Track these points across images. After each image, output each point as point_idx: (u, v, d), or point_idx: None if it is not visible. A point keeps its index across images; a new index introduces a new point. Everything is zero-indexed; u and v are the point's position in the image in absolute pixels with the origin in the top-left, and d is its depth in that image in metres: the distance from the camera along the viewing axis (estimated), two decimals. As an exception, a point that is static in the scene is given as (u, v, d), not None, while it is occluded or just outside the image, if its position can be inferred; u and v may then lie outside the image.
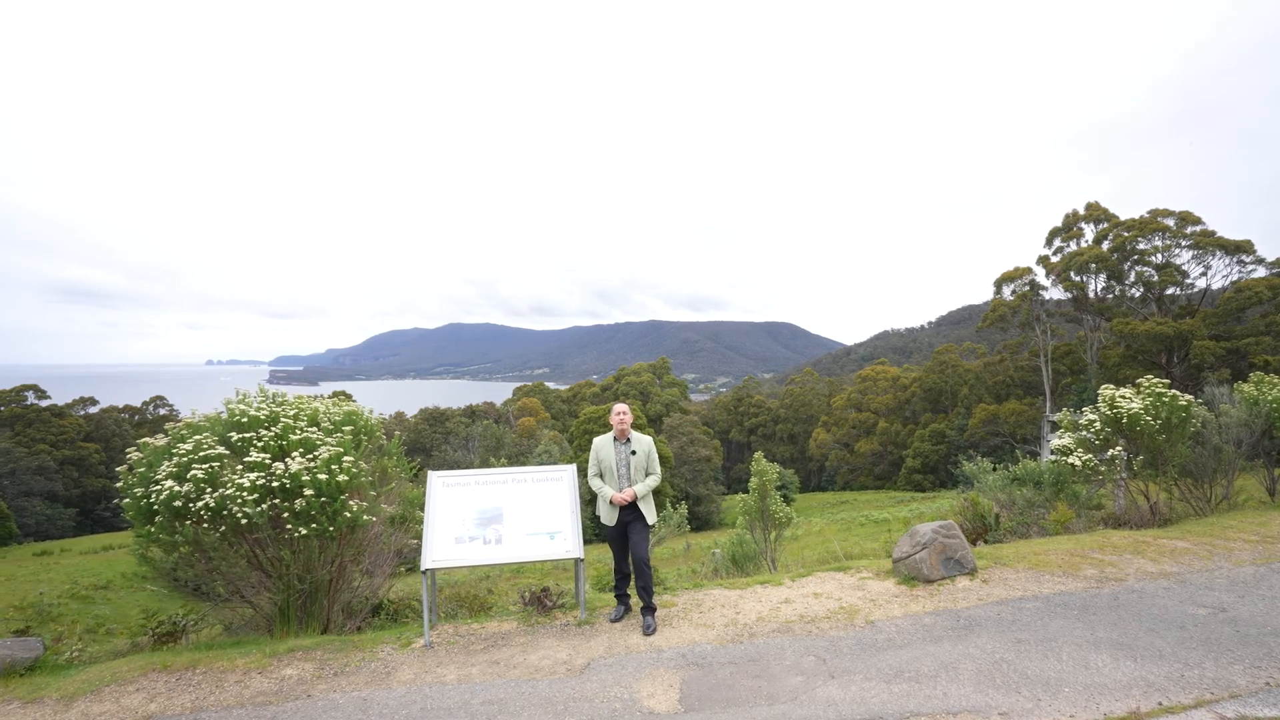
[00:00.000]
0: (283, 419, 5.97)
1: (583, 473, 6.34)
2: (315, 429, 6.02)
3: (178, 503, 5.33)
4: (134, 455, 5.79)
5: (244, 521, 5.34)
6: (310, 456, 5.65)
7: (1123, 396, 8.30)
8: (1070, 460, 8.25)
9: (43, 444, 56.82)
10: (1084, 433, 8.50)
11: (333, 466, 5.54)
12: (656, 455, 5.78)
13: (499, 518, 5.66)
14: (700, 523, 50.85)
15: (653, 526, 5.76)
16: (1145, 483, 8.45)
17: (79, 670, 5.25)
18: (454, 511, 5.65)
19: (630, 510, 5.56)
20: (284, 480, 5.42)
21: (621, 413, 5.70)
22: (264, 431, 5.82)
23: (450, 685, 4.54)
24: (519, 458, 57.12)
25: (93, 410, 66.59)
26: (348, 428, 6.09)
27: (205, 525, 5.42)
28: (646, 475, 5.66)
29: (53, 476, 54.46)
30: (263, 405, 6.06)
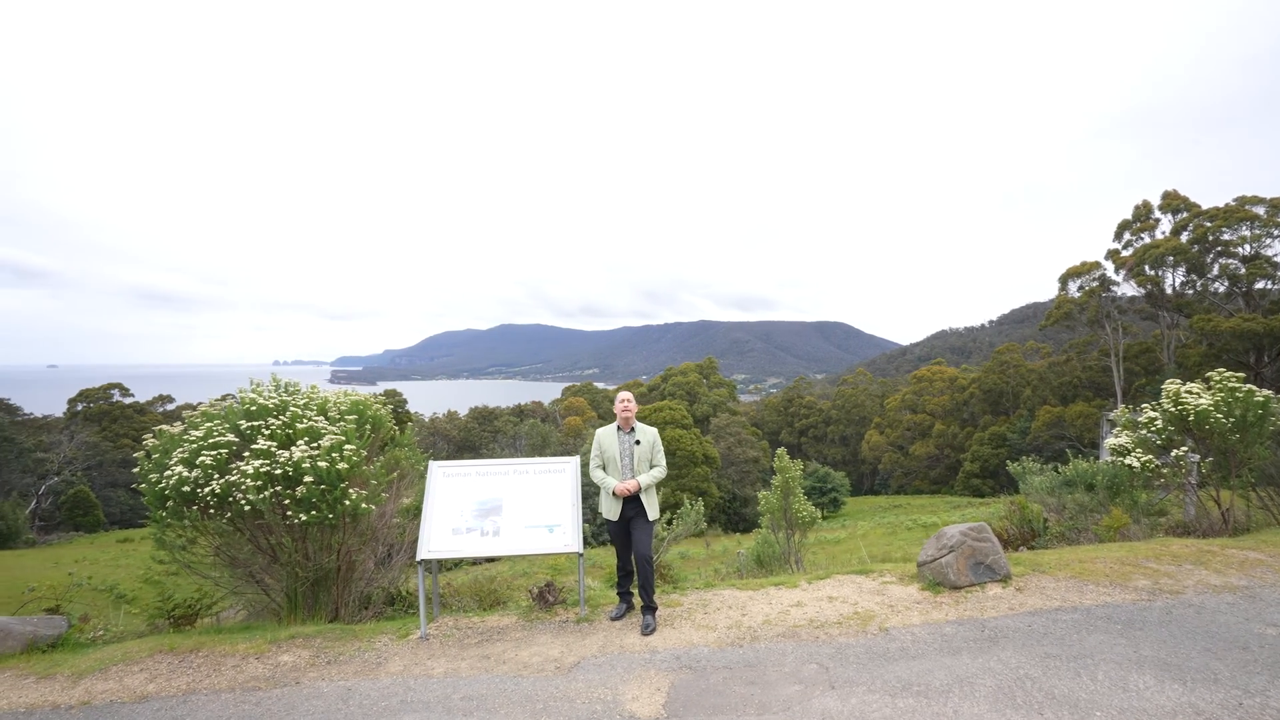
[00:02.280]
0: (291, 408, 6.02)
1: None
2: (322, 418, 6.05)
3: (186, 488, 5.42)
4: (150, 442, 5.94)
5: (248, 508, 5.39)
6: (314, 445, 5.67)
7: (1189, 392, 7.53)
8: (1127, 461, 7.54)
9: (126, 438, 60.78)
10: (1144, 432, 7.77)
11: (333, 455, 5.53)
12: (662, 447, 5.53)
13: (498, 509, 5.53)
14: (748, 524, 50.09)
15: (656, 522, 5.52)
16: (1216, 488, 7.65)
17: (96, 649, 5.41)
18: (453, 502, 5.55)
19: (633, 505, 5.34)
20: (287, 468, 5.45)
21: (625, 401, 5.48)
22: (272, 420, 5.88)
23: (435, 679, 4.43)
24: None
25: (169, 407, 70.91)
26: (351, 417, 6.08)
27: (212, 511, 5.50)
28: (651, 467, 5.43)
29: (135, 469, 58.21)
30: (272, 394, 6.13)
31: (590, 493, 6.34)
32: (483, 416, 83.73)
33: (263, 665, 4.83)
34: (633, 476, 5.33)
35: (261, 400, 6.00)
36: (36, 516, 51.17)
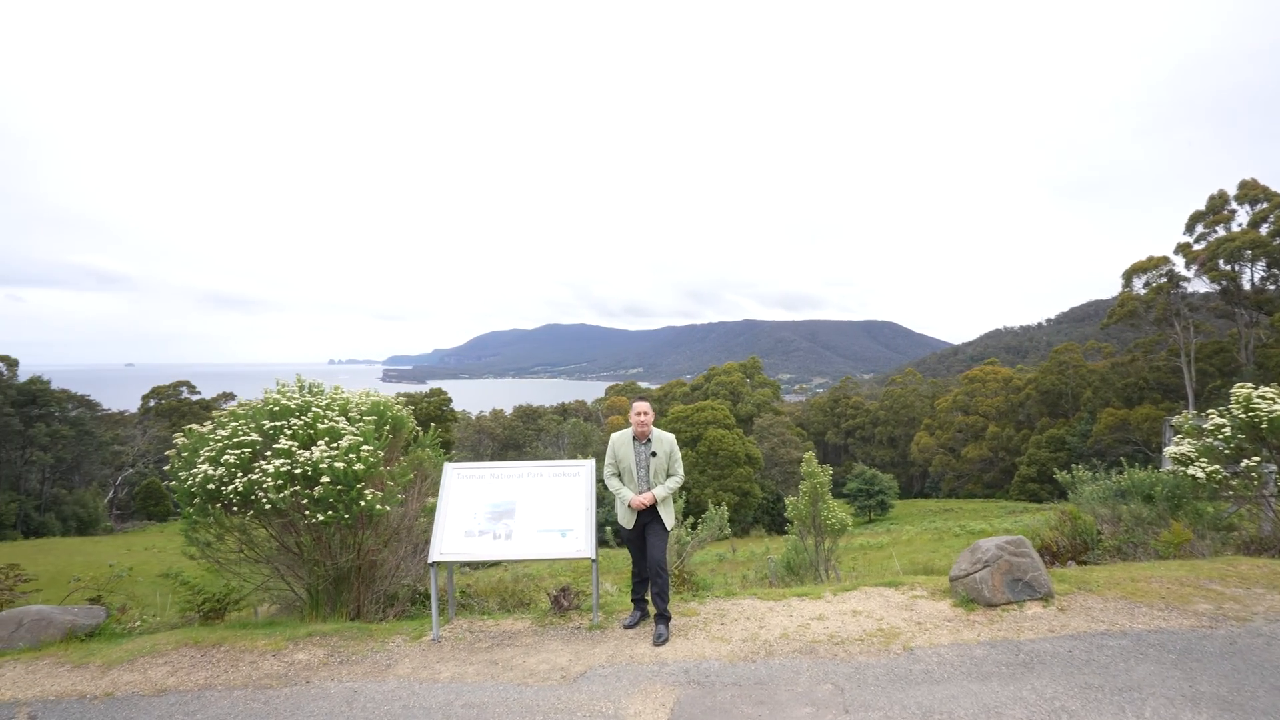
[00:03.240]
0: (314, 408, 6.10)
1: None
2: (343, 419, 6.11)
3: (211, 486, 5.55)
4: (180, 440, 6.12)
5: (269, 507, 5.48)
6: (334, 445, 5.72)
7: (1262, 397, 6.89)
8: (1190, 472, 6.96)
9: (193, 433, 64.11)
10: (1210, 440, 7.16)
11: (350, 455, 5.57)
12: (679, 456, 5.36)
13: (511, 512, 5.46)
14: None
15: (672, 530, 5.36)
16: (1295, 501, 6.98)
17: (129, 640, 5.59)
18: (466, 504, 5.51)
19: (649, 513, 5.19)
20: (306, 467, 5.51)
21: (642, 413, 5.29)
22: (294, 420, 5.96)
23: (441, 683, 4.38)
24: (605, 456, 57.87)
25: (231, 404, 74.43)
26: (370, 418, 6.12)
27: (235, 509, 5.62)
28: (668, 477, 5.27)
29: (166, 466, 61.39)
30: (294, 395, 6.22)
31: (608, 499, 6.22)
32: (527, 415, 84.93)
33: (278, 663, 4.89)
34: (648, 487, 5.18)
35: (284, 400, 6.10)
36: (114, 505, 54.54)
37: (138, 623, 6.32)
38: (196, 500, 5.68)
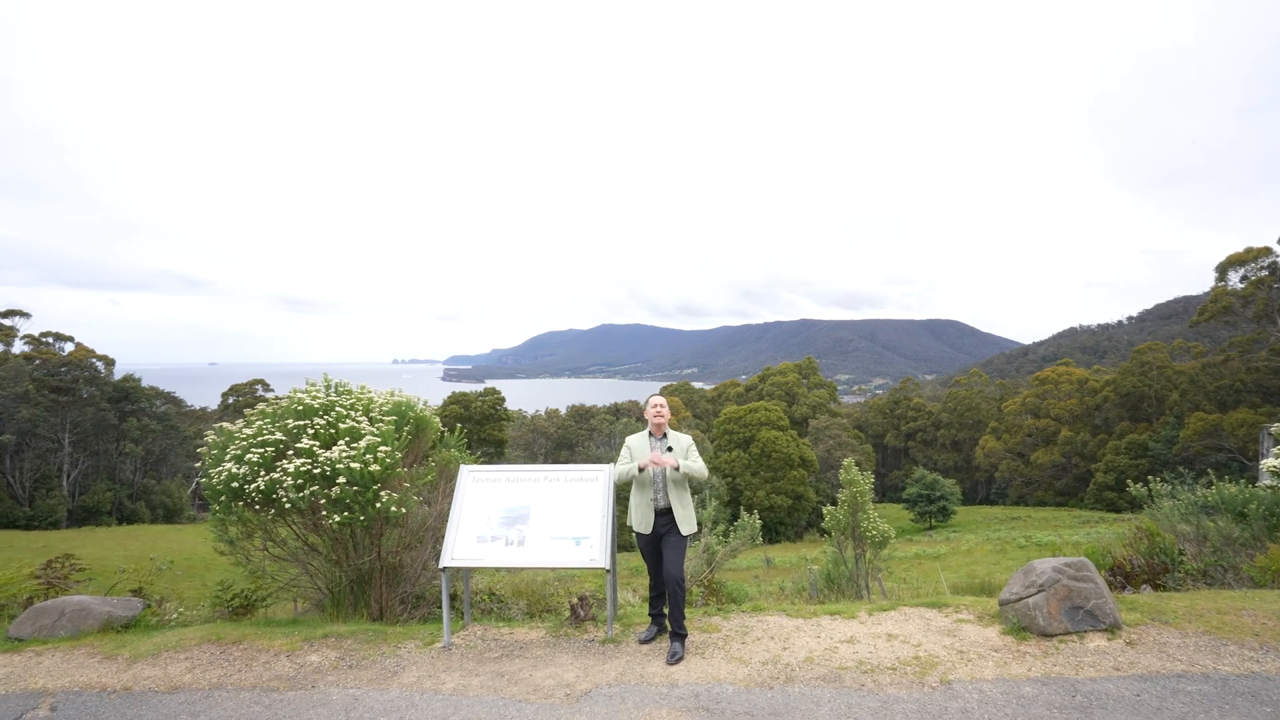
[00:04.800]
0: (338, 408, 6.09)
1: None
2: (365, 419, 6.08)
3: (235, 484, 5.60)
4: (211, 438, 6.23)
5: (288, 506, 5.49)
6: (353, 445, 5.69)
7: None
8: (1292, 487, 6.12)
9: (265, 428, 67.67)
10: (1316, 451, 6.29)
11: (367, 456, 5.51)
12: (697, 452, 5.06)
13: (525, 518, 5.28)
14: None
15: (691, 538, 5.06)
16: None
17: (159, 633, 5.71)
18: (480, 508, 5.37)
19: (665, 518, 4.91)
20: (325, 467, 5.49)
21: (658, 406, 5.06)
22: (317, 420, 5.97)
23: (443, 695, 4.23)
24: (655, 456, 57.58)
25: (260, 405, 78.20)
26: (391, 418, 6.07)
27: (257, 507, 5.65)
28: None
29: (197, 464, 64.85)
30: (317, 394, 6.23)
31: (624, 494, 5.96)
32: (580, 415, 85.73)
33: (290, 664, 4.86)
34: (664, 486, 4.91)
35: (308, 400, 6.11)
36: (196, 496, 58.11)
37: (174, 616, 6.49)
38: (223, 498, 5.75)
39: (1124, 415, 59.24)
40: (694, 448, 5.04)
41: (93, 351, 51.12)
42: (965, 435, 77.51)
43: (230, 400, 72.03)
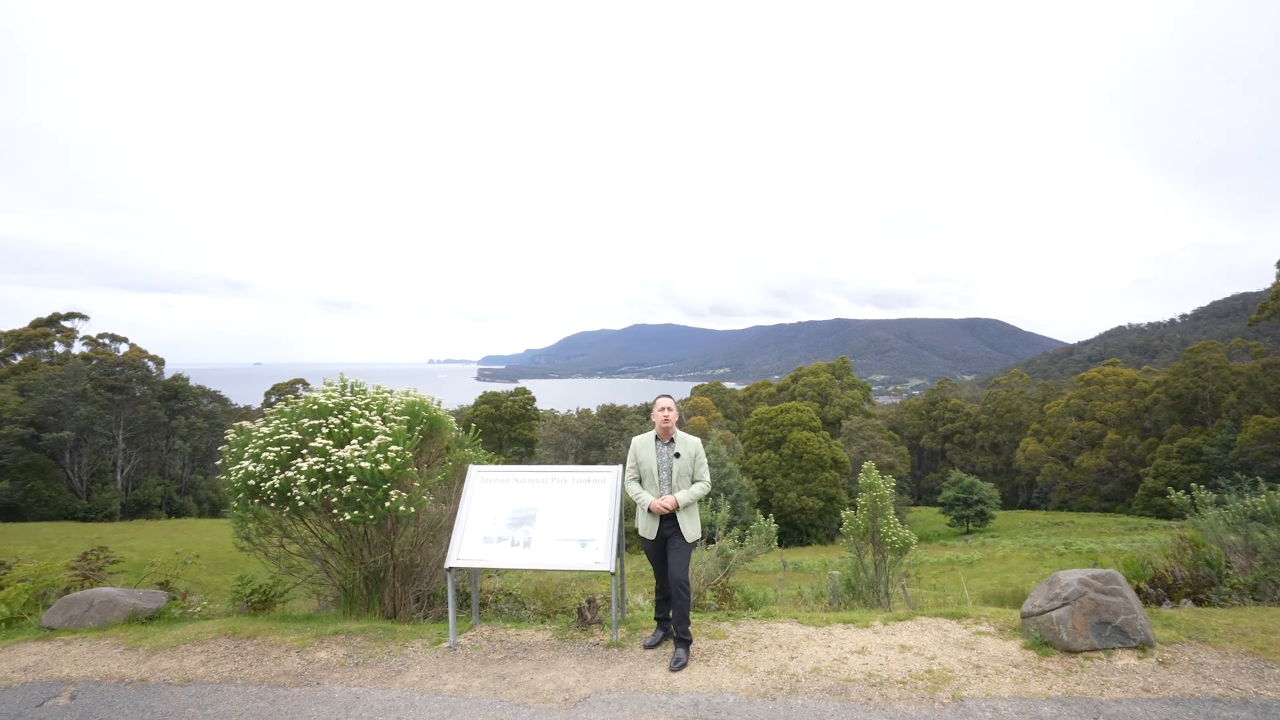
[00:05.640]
0: (352, 407, 6.16)
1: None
2: (379, 418, 6.13)
3: (252, 482, 5.70)
4: (231, 436, 6.36)
5: (301, 504, 5.57)
6: (366, 445, 5.74)
7: None
8: (1350, 497, 5.69)
9: (305, 426, 69.67)
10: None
11: (377, 455, 5.55)
12: (705, 461, 4.95)
13: (531, 519, 5.25)
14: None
15: (695, 544, 4.95)
16: None
17: (180, 625, 5.86)
18: (488, 509, 5.37)
19: (670, 523, 4.82)
20: (337, 466, 5.55)
21: (666, 409, 4.94)
22: (332, 419, 6.04)
23: (442, 696, 4.21)
24: (684, 456, 57.36)
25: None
26: (403, 418, 6.10)
27: (272, 505, 5.75)
28: (693, 483, 4.88)
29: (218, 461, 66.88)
30: (333, 394, 6.31)
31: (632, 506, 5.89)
32: (611, 415, 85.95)
33: (300, 660, 4.92)
34: (671, 492, 4.81)
35: (323, 400, 6.20)
36: (239, 491, 60.11)
37: (197, 609, 6.66)
38: (240, 495, 5.86)
39: (1176, 418, 56.66)
40: (702, 453, 4.94)
41: (145, 352, 53.37)
42: (1005, 437, 75.24)
43: (273, 400, 74.43)
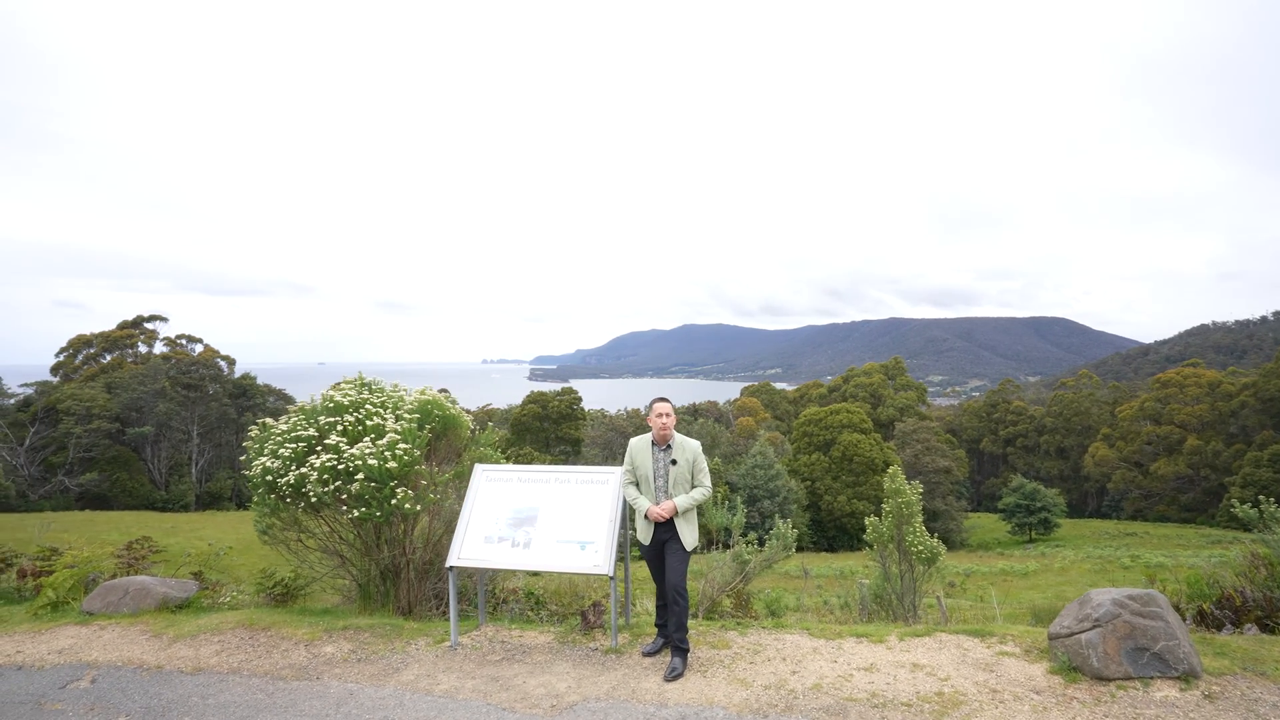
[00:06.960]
0: (366, 405, 6.26)
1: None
2: (391, 417, 6.20)
3: (269, 477, 5.86)
4: (254, 432, 6.56)
5: (314, 500, 5.67)
6: (377, 442, 5.81)
7: None
8: None
9: (362, 423, 72.32)
10: None
11: (385, 453, 5.60)
12: (705, 467, 4.76)
13: (532, 519, 5.19)
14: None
15: (692, 551, 4.78)
16: None
17: (205, 615, 6.07)
18: (491, 508, 5.33)
19: (667, 529, 4.66)
20: (348, 463, 5.63)
21: (663, 414, 4.74)
22: (347, 417, 6.15)
23: (432, 697, 4.19)
24: (733, 457, 56.74)
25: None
26: (414, 416, 6.15)
27: (289, 500, 5.88)
28: (692, 488, 4.71)
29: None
30: (349, 393, 6.42)
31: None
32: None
33: (306, 654, 5.01)
34: (667, 498, 4.65)
35: (339, 398, 6.31)
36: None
37: (226, 599, 6.90)
38: (260, 490, 6.03)
39: (1267, 423, 52.34)
40: (702, 458, 4.75)
41: (217, 352, 56.52)
42: (1073, 442, 71.24)
43: (333, 398, 77.65)
